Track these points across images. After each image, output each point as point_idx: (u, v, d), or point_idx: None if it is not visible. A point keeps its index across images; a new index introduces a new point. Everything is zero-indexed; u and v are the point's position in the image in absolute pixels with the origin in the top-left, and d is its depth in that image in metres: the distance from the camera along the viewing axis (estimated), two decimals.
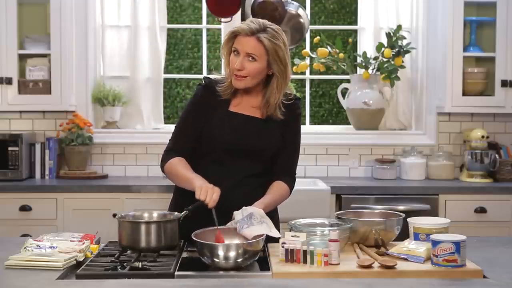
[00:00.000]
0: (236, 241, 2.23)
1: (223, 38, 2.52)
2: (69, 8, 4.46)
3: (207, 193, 2.34)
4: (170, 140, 2.65)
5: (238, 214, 2.34)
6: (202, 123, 2.57)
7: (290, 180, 2.66)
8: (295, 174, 2.70)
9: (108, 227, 3.19)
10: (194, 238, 2.18)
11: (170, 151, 2.60)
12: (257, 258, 2.20)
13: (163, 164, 2.60)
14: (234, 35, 2.49)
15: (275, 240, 2.38)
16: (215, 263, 2.13)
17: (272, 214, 2.62)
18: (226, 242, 2.22)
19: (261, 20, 2.51)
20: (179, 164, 2.55)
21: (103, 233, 2.67)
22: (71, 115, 4.58)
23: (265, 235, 2.24)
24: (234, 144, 2.54)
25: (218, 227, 2.29)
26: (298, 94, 4.72)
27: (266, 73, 2.52)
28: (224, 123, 2.55)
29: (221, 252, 2.11)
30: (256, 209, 2.36)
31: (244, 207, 2.36)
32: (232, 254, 2.11)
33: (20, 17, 4.47)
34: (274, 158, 2.62)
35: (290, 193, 2.67)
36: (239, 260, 2.12)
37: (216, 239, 2.25)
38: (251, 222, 2.29)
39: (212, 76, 2.66)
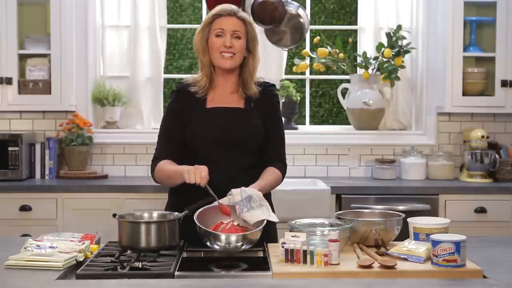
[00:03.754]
0: (236, 222, 2.33)
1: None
2: (69, 8, 4.46)
3: (195, 174, 2.38)
4: (155, 149, 2.68)
5: (237, 195, 2.37)
6: (182, 127, 2.61)
7: (282, 166, 2.68)
8: (285, 160, 2.73)
9: (108, 227, 3.19)
10: (198, 224, 2.25)
11: (156, 160, 2.63)
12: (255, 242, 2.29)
13: (153, 173, 2.63)
14: (213, 20, 2.58)
15: (275, 240, 2.39)
16: (217, 247, 2.23)
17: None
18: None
19: (230, 4, 2.64)
20: (165, 165, 2.57)
21: (103, 233, 2.67)
22: (71, 115, 4.58)
23: (265, 221, 2.30)
24: (218, 137, 2.57)
25: (218, 200, 2.37)
26: (298, 94, 4.76)
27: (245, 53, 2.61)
28: (205, 120, 2.59)
29: (223, 239, 2.20)
30: (255, 191, 2.40)
31: (242, 188, 2.39)
32: (232, 239, 2.21)
33: (20, 17, 4.47)
34: (262, 149, 2.65)
35: (283, 179, 2.69)
36: (238, 244, 2.22)
37: (222, 212, 2.35)
38: (251, 205, 2.33)
39: (184, 77, 2.73)
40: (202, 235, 2.27)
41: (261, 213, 2.31)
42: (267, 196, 2.65)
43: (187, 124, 2.60)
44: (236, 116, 2.61)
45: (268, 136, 2.65)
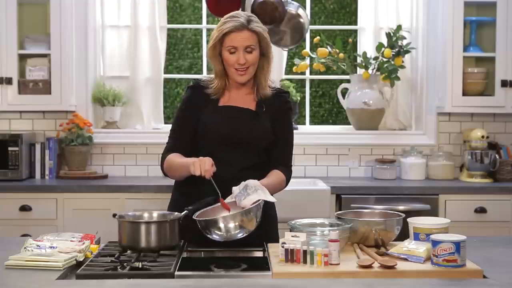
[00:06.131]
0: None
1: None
2: (69, 8, 4.46)
3: (200, 166, 2.39)
4: (166, 143, 2.70)
5: (236, 189, 2.40)
6: (195, 122, 2.63)
7: (286, 170, 2.69)
8: (291, 166, 2.75)
9: (108, 227, 3.19)
10: (196, 218, 2.28)
11: (166, 153, 2.66)
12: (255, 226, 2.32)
13: (162, 166, 2.65)
14: (224, 36, 2.54)
15: (275, 240, 2.40)
16: (217, 236, 2.28)
17: (269, 211, 2.66)
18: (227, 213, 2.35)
19: (240, 12, 2.60)
20: (174, 157, 2.60)
21: (103, 233, 2.67)
22: (71, 115, 4.58)
23: (262, 200, 2.32)
24: (227, 135, 2.59)
25: (220, 196, 2.38)
26: (298, 94, 4.76)
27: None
28: (216, 117, 2.61)
29: (221, 225, 2.25)
30: (251, 180, 2.41)
31: (242, 182, 2.41)
32: (230, 222, 2.25)
33: (20, 17, 4.47)
34: (268, 152, 2.67)
35: (287, 184, 2.71)
36: (237, 224, 2.26)
37: (223, 208, 2.36)
38: (247, 192, 2.36)
39: (200, 77, 2.72)
40: (203, 228, 2.29)
41: (257, 196, 2.34)
42: (270, 208, 2.68)
43: (198, 120, 2.62)
44: (246, 116, 2.62)
45: (276, 141, 2.67)
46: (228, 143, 2.59)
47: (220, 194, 2.38)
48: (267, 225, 2.65)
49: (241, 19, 2.54)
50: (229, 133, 2.59)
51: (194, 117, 2.63)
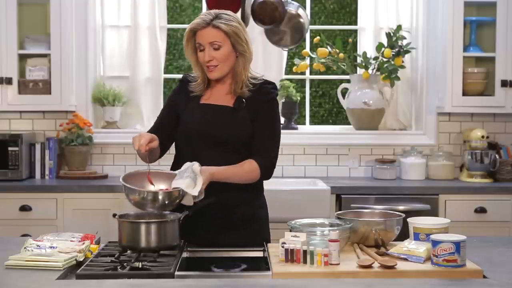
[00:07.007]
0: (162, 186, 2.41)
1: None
2: (69, 8, 4.46)
3: (136, 141, 2.42)
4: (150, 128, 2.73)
5: (184, 166, 2.42)
6: (175, 117, 2.66)
7: (261, 160, 2.57)
8: (270, 156, 2.60)
9: (108, 227, 3.19)
10: (123, 182, 2.34)
11: None
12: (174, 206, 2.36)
13: None
14: (193, 33, 2.58)
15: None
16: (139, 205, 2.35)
17: (260, 211, 2.65)
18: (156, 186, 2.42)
19: (212, 11, 2.60)
20: None
21: (103, 233, 2.67)
22: (71, 115, 4.58)
23: (180, 189, 2.33)
24: (204, 134, 2.58)
25: (149, 169, 2.44)
26: (298, 94, 4.76)
27: (235, 55, 2.59)
28: (194, 116, 2.62)
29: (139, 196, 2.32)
30: (196, 164, 2.40)
31: (194, 162, 2.41)
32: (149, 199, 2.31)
33: (20, 17, 4.47)
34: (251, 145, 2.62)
35: (263, 173, 2.58)
36: (156, 205, 2.32)
37: (148, 180, 2.42)
38: (182, 175, 2.38)
39: (192, 74, 2.73)
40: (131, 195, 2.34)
41: (182, 182, 2.35)
42: (260, 209, 2.67)
43: (178, 115, 2.65)
44: (223, 113, 2.60)
45: (256, 131, 2.60)
46: (206, 142, 2.57)
47: (149, 169, 2.43)
48: (257, 225, 2.64)
49: (207, 16, 2.55)
50: (205, 132, 2.58)
51: (174, 112, 2.66)
